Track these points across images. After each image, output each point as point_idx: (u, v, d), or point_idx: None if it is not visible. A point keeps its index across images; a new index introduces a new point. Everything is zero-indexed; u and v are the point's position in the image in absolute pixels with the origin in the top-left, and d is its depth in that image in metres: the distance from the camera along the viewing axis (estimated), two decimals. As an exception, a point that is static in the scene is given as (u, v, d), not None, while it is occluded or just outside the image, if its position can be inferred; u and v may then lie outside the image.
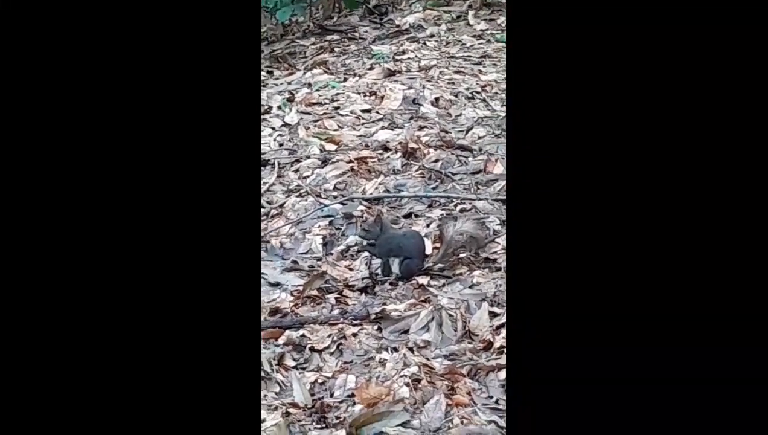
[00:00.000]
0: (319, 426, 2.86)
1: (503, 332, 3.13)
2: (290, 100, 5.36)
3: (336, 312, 3.48)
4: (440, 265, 3.69)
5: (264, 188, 4.35)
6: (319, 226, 4.10)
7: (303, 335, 3.31)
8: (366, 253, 3.78)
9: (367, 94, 5.36)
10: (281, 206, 4.28)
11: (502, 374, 2.95)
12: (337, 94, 5.40)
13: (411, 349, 3.19)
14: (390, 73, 5.61)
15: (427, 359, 3.12)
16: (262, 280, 3.59)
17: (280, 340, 3.28)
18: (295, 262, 3.88)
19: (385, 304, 3.48)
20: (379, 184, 4.40)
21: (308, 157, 4.72)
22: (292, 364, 3.20)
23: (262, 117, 4.90)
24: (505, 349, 3.03)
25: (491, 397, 2.93)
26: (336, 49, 6.26)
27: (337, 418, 2.88)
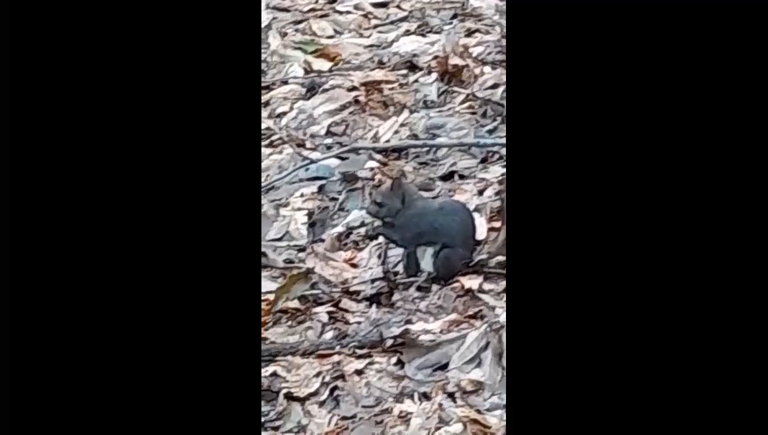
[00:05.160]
0: None
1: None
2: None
3: (329, 335, 3.08)
4: (500, 257, 3.16)
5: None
6: (302, 196, 3.65)
7: (275, 374, 2.89)
8: (379, 239, 3.36)
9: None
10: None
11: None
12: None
13: (452, 396, 2.76)
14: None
15: (479, 411, 2.71)
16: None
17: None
18: (262, 253, 3.34)
19: (409, 321, 3.05)
20: (401, 125, 3.92)
21: (285, 83, 4.31)
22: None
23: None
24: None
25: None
26: None
27: None
